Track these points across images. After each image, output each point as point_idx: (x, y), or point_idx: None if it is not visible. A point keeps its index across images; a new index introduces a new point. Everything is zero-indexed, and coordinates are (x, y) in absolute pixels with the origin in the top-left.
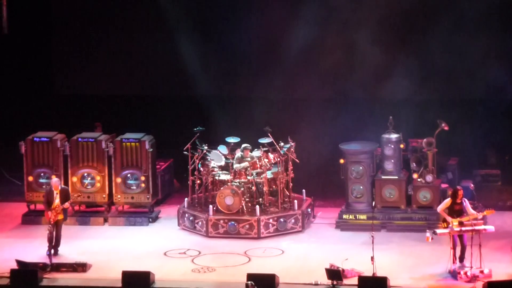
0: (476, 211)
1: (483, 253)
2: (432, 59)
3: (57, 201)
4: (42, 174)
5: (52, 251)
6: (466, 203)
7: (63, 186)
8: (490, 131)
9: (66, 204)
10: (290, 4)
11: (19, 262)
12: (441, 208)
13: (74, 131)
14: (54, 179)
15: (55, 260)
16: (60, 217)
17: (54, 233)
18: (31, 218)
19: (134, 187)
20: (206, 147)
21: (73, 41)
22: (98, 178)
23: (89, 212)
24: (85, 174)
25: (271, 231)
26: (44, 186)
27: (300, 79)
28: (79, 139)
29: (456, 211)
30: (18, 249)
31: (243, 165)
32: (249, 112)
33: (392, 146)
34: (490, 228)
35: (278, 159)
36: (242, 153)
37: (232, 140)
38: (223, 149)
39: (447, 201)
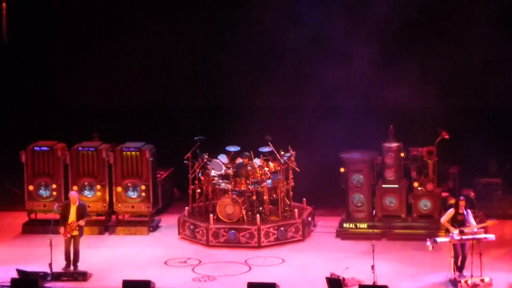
0: (476, 220)
1: (483, 262)
2: (433, 67)
3: (72, 217)
4: (42, 183)
5: (72, 266)
6: (469, 213)
7: (81, 202)
8: (491, 140)
9: (81, 222)
10: (290, 13)
11: (19, 272)
12: (444, 219)
13: (74, 141)
14: (73, 192)
15: (56, 269)
16: (75, 233)
17: (71, 248)
18: (32, 228)
19: (135, 196)
20: (206, 156)
21: (74, 50)
22: (98, 187)
23: (90, 221)
24: (86, 184)
25: (272, 240)
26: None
27: (301, 88)
28: (80, 149)
29: (458, 221)
30: (18, 258)
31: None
32: (249, 121)
33: (393, 155)
34: (491, 236)
35: (279, 168)
36: (242, 161)
37: (232, 149)
38: (223, 158)
39: (451, 212)
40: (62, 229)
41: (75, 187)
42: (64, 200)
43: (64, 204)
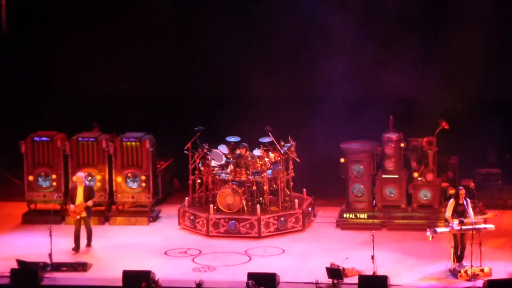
0: (476, 210)
1: (483, 252)
2: (433, 58)
3: (80, 197)
4: (42, 173)
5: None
6: (468, 203)
7: (87, 183)
8: (490, 130)
9: (90, 203)
10: (290, 3)
11: (19, 262)
12: (449, 214)
13: (74, 131)
14: (79, 173)
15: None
16: (84, 214)
17: (85, 228)
18: (32, 218)
19: (135, 187)
20: (206, 147)
21: (73, 40)
22: (98, 177)
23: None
24: (86, 174)
25: (272, 230)
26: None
27: (301, 79)
28: (79, 139)
29: (459, 212)
30: (18, 249)
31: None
32: (249, 112)
33: (393, 145)
34: (490, 226)
35: (279, 158)
36: (240, 151)
37: (232, 139)
38: (223, 148)
39: (452, 203)
40: (71, 207)
41: (74, 177)
42: (63, 190)
43: (72, 186)
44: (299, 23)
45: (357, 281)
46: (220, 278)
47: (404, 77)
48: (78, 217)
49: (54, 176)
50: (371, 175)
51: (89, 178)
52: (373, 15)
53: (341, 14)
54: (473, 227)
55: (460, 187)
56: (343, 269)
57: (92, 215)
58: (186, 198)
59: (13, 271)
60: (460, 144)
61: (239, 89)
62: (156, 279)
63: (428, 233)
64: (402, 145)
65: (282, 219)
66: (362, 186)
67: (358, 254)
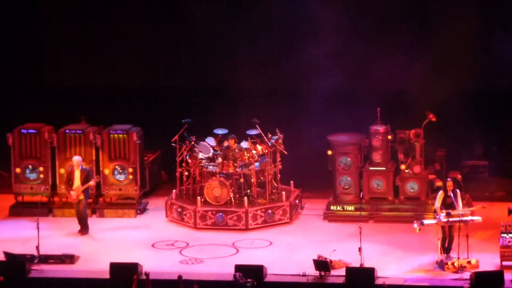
0: (463, 202)
1: (470, 244)
2: (420, 50)
3: (77, 181)
4: (29, 166)
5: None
6: (457, 195)
7: (84, 167)
8: (477, 122)
9: (92, 182)
10: None
11: (6, 254)
12: (438, 204)
13: (61, 123)
14: (75, 157)
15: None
16: (81, 197)
17: (80, 213)
18: (19, 210)
19: (122, 179)
20: (194, 139)
21: (61, 33)
22: None
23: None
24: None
25: (259, 222)
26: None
27: (288, 71)
28: (67, 131)
29: (447, 204)
30: (5, 241)
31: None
32: (237, 104)
33: (380, 138)
34: (478, 219)
35: (266, 151)
36: (228, 143)
37: (220, 131)
38: (211, 140)
39: (441, 194)
40: (72, 194)
41: (62, 170)
42: (50, 182)
43: (68, 171)
44: (286, 15)
45: (344, 273)
46: (208, 270)
47: (391, 69)
48: (77, 199)
49: (41, 169)
50: (358, 167)
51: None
52: (361, 7)
53: (329, 6)
54: (460, 219)
55: (448, 179)
56: (330, 261)
57: None
58: (174, 190)
59: (0, 263)
60: (447, 136)
61: (227, 81)
62: (146, 271)
63: (415, 225)
64: (389, 137)
65: (269, 211)
66: (349, 178)
67: (345, 246)
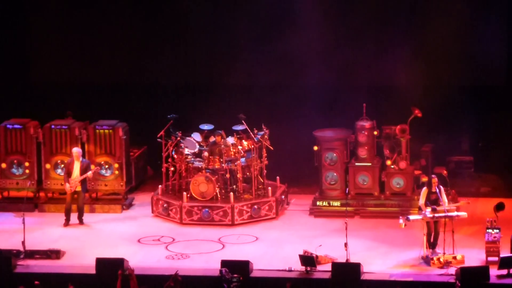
0: (449, 198)
1: (456, 239)
2: (406, 46)
3: (76, 172)
4: (15, 161)
5: (77, 221)
6: (441, 190)
7: (84, 159)
8: (463, 118)
9: (90, 174)
10: None
11: None
12: (422, 201)
13: (47, 119)
14: (75, 149)
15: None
16: (78, 189)
17: (78, 204)
18: (4, 205)
19: (108, 174)
20: (179, 134)
21: (47, 28)
22: None
23: (63, 199)
24: (59, 161)
25: (245, 218)
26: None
27: (274, 66)
28: (52, 126)
29: (432, 200)
30: None
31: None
32: (223, 99)
33: (366, 133)
34: (463, 214)
35: (252, 146)
36: (215, 139)
37: (206, 127)
38: (196, 136)
39: (425, 191)
40: (67, 186)
41: (48, 165)
42: (36, 177)
43: (68, 161)
44: (272, 10)
45: (330, 269)
46: (194, 266)
47: (377, 65)
48: (72, 190)
49: (27, 164)
50: (344, 163)
51: (62, 166)
52: (347, 2)
53: (315, 2)
54: (446, 214)
55: (433, 175)
56: (316, 256)
57: (64, 202)
58: (160, 186)
59: None
60: (433, 132)
61: (212, 77)
62: (131, 267)
63: (401, 221)
64: (375, 133)
65: (255, 207)
66: (335, 174)
67: (331, 242)
